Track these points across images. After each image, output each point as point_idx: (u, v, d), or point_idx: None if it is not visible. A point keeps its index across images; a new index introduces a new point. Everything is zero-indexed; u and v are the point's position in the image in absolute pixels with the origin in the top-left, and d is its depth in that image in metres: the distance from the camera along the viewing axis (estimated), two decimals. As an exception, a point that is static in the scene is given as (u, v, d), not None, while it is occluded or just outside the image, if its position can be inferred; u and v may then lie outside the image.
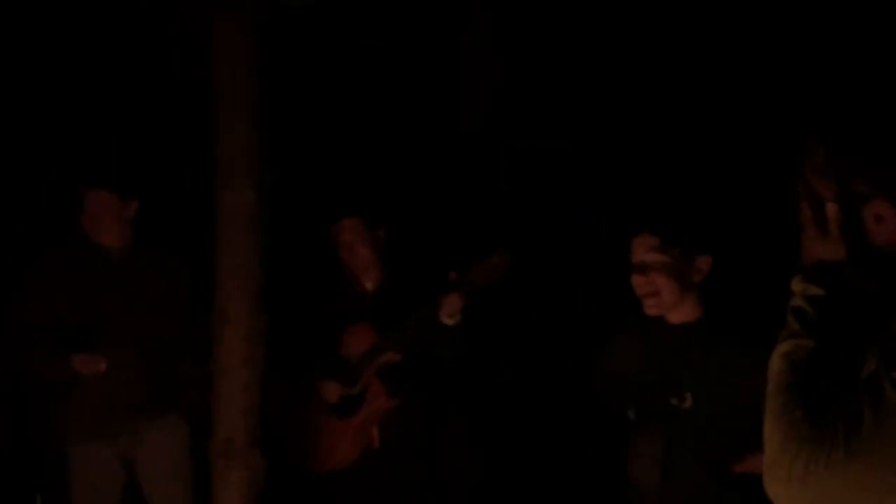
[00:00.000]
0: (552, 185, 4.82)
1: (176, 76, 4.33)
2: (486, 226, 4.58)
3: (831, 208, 1.88)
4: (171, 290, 4.16)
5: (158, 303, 4.12)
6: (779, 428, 1.79)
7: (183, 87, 4.22)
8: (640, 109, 4.65)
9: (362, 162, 4.81)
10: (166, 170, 4.33)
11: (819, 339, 1.85)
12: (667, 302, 3.02)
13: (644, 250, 3.02)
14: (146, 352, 4.07)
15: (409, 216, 4.48)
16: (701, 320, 3.04)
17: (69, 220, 4.07)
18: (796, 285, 2.07)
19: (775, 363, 1.96)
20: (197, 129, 3.51)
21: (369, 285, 4.14)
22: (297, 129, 4.45)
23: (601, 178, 4.70)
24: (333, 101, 4.79)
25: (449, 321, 3.84)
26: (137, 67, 4.58)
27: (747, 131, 4.40)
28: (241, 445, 3.33)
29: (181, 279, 4.16)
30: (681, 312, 3.04)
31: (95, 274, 4.10)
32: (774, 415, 1.82)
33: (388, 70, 4.83)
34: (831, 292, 1.90)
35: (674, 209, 3.28)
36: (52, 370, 4.01)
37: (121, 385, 4.02)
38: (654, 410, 3.02)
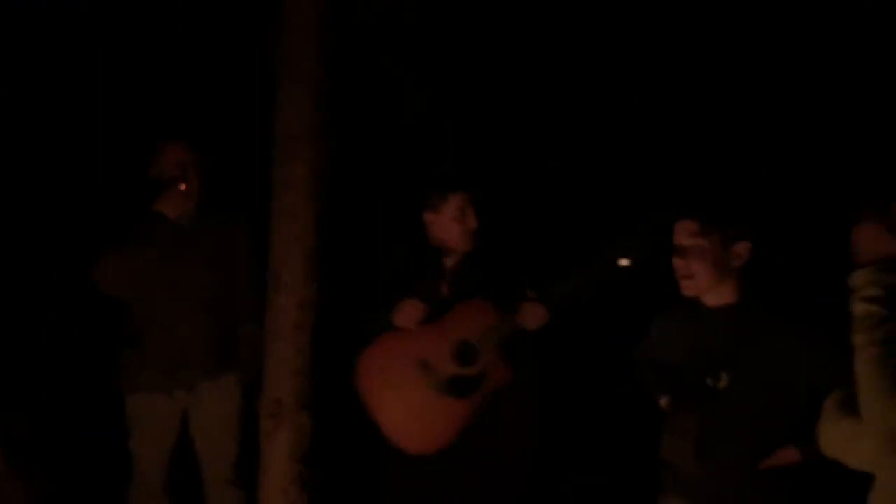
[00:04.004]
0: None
1: (244, 57, 4.43)
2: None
3: None
4: (235, 254, 4.32)
5: (222, 266, 4.29)
6: None
7: (248, 68, 4.32)
8: (688, 95, 4.75)
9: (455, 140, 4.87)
10: (231, 143, 4.46)
11: None
12: (701, 285, 3.14)
13: (684, 235, 3.15)
14: (209, 312, 4.25)
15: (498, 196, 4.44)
16: (739, 303, 3.15)
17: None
18: (865, 277, 2.29)
19: (871, 352, 2.18)
20: (259, 106, 3.59)
21: (450, 262, 4.08)
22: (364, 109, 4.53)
23: (652, 165, 4.75)
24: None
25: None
26: (207, 47, 4.71)
27: (790, 120, 4.52)
28: (290, 406, 3.41)
29: (244, 245, 4.30)
30: (718, 295, 3.15)
31: (161, 235, 4.25)
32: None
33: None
34: None
35: (715, 196, 3.36)
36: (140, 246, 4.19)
37: (183, 342, 4.23)
38: (691, 391, 3.14)
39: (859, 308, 2.38)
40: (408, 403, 3.86)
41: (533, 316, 3.80)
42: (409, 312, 3.86)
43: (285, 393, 3.43)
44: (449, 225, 4.00)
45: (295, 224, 3.43)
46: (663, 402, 3.25)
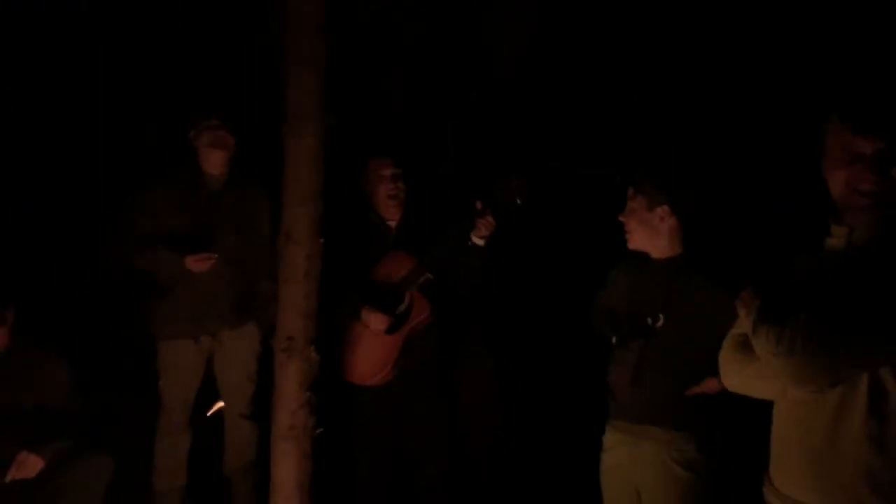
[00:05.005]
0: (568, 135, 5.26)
1: (255, 40, 4.86)
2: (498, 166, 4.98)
3: None
4: (257, 218, 4.79)
5: (246, 228, 4.75)
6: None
7: (259, 49, 4.73)
8: (685, 92, 5.04)
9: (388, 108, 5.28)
10: (246, 120, 4.89)
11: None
12: (635, 239, 3.67)
13: (628, 198, 3.71)
14: (234, 269, 4.73)
15: (428, 159, 4.94)
16: (679, 257, 3.65)
17: (175, 151, 4.72)
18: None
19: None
20: (271, 85, 3.96)
21: (392, 222, 4.55)
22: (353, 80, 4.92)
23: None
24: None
25: (480, 242, 4.31)
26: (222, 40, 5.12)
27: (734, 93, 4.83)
28: (300, 342, 3.83)
29: (264, 210, 4.76)
30: (660, 250, 3.66)
31: (197, 196, 4.72)
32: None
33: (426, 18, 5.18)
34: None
35: (652, 163, 3.87)
36: (168, 267, 4.60)
37: (210, 295, 4.71)
38: (634, 329, 3.62)
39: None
40: (352, 344, 4.43)
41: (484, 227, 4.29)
42: (376, 322, 4.40)
43: (296, 331, 3.85)
44: (374, 189, 4.51)
45: (303, 188, 3.85)
46: (614, 340, 3.73)
